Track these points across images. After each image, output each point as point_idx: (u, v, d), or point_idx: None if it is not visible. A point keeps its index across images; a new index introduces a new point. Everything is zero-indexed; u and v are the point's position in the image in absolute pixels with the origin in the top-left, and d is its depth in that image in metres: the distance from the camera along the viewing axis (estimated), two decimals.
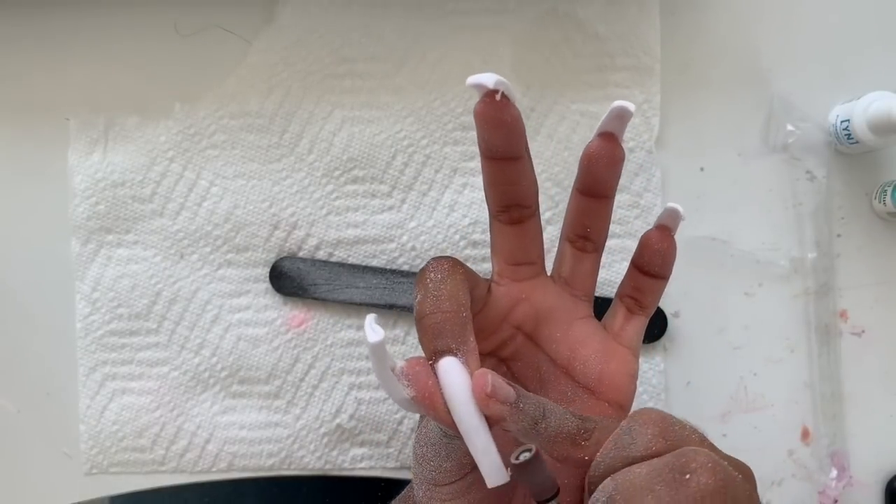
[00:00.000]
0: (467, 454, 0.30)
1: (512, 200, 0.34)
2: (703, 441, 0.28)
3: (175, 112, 0.50)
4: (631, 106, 0.31)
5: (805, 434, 0.50)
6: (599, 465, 0.28)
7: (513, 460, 0.27)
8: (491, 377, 0.28)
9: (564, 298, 0.36)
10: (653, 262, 0.35)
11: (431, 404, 0.29)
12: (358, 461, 0.50)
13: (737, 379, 0.50)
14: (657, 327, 0.49)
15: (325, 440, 0.50)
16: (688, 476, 0.25)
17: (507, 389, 0.28)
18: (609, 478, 0.27)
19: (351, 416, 0.50)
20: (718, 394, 0.50)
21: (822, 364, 0.50)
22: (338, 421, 0.50)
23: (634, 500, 0.26)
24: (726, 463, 0.27)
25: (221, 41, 0.50)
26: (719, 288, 0.50)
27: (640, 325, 0.36)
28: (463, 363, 0.29)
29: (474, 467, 0.30)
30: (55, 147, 0.50)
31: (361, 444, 0.50)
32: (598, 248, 0.36)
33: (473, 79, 0.29)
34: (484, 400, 0.28)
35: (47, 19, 0.50)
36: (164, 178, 0.50)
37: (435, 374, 0.29)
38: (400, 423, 0.50)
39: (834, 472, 0.49)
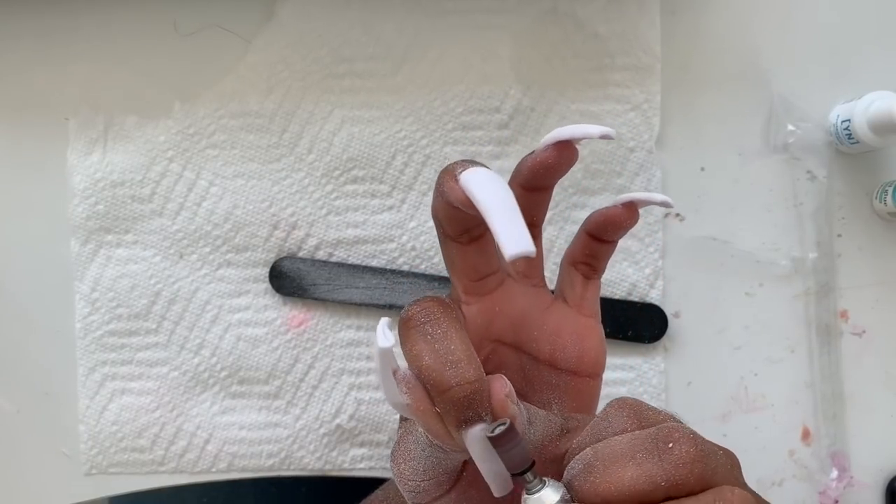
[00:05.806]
0: (446, 472, 0.31)
1: (473, 223, 0.33)
2: (680, 425, 0.29)
3: (174, 112, 0.50)
4: (613, 133, 0.31)
5: (805, 434, 0.50)
6: (576, 448, 0.28)
7: (488, 434, 0.28)
8: (506, 380, 0.29)
9: (529, 294, 0.36)
10: (614, 234, 0.36)
11: (425, 420, 0.29)
12: (358, 461, 0.50)
13: (737, 379, 0.50)
14: (657, 327, 0.49)
15: (325, 440, 0.50)
16: (670, 445, 0.26)
17: (514, 392, 0.29)
18: (589, 447, 0.27)
19: (351, 417, 0.50)
20: (719, 394, 0.50)
21: (822, 364, 0.49)
22: (338, 421, 0.50)
23: (615, 465, 0.26)
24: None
25: (221, 41, 0.50)
26: (719, 288, 0.50)
27: (596, 289, 0.37)
28: (490, 426, 0.29)
29: (452, 486, 0.32)
30: (54, 147, 0.50)
31: (361, 445, 0.50)
32: (541, 231, 0.37)
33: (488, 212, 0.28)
34: (504, 402, 0.28)
35: (47, 18, 0.50)
36: (164, 177, 0.50)
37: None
38: None
39: (834, 473, 0.49)
